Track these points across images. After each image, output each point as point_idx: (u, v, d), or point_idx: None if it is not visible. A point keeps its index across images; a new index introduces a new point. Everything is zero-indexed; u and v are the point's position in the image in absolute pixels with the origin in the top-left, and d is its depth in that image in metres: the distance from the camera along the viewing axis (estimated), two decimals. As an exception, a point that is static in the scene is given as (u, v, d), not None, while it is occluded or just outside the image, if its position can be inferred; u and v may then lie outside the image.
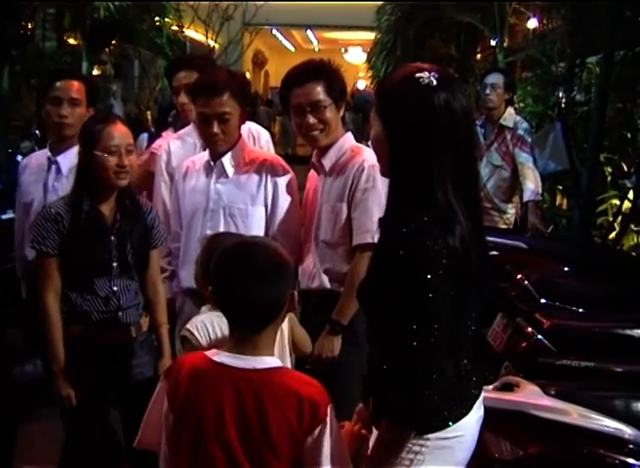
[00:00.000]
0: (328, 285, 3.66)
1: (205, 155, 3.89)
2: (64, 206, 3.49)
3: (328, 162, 3.68)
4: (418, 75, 2.33)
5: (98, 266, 3.48)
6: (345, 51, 22.42)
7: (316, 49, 23.12)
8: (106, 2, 9.13)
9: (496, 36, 9.93)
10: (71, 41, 10.60)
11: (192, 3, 11.74)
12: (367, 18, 12.28)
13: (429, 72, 2.33)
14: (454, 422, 2.43)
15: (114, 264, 3.49)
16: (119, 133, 3.46)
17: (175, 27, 11.39)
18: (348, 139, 3.74)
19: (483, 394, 2.61)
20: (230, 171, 3.78)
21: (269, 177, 3.78)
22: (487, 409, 2.67)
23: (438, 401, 2.30)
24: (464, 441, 2.48)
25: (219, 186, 3.79)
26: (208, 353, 2.43)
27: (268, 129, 4.06)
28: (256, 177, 3.79)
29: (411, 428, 2.35)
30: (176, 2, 11.20)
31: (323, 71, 3.65)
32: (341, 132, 3.73)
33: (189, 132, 4.39)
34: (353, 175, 3.58)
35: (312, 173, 3.87)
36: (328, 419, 2.35)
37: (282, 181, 3.80)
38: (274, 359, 2.42)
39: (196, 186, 3.86)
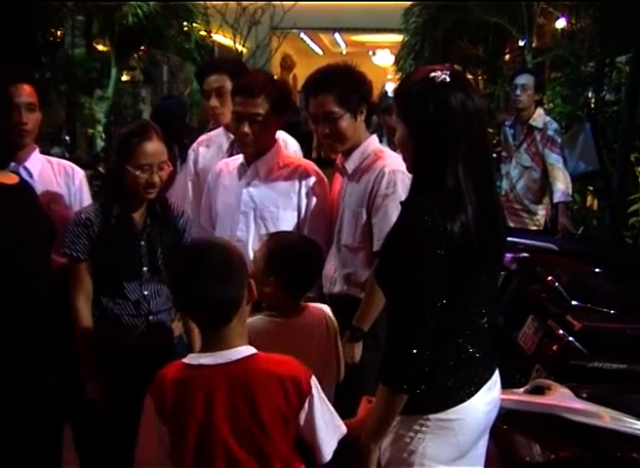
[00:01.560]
0: (349, 290, 3.66)
1: (239, 158, 3.92)
2: (95, 211, 3.50)
3: (351, 165, 3.68)
4: (432, 75, 2.52)
5: (127, 271, 3.49)
6: (373, 53, 22.36)
7: (344, 52, 23.04)
8: (135, 8, 9.15)
9: (524, 37, 9.87)
10: (100, 47, 10.66)
11: (220, 8, 11.76)
12: (394, 20, 12.24)
13: (442, 71, 2.52)
14: (452, 405, 2.55)
15: (144, 269, 3.49)
16: (153, 150, 3.44)
17: (203, 32, 11.42)
18: (372, 142, 3.73)
19: (514, 397, 2.65)
20: (264, 174, 3.80)
21: (302, 183, 3.81)
22: (518, 412, 2.69)
23: (423, 364, 2.44)
24: (467, 424, 2.59)
25: (251, 189, 3.82)
26: (183, 360, 2.48)
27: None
28: (289, 182, 3.81)
29: (395, 387, 2.47)
30: (203, 6, 11.22)
31: (337, 80, 3.63)
32: (365, 135, 3.73)
33: (219, 133, 4.44)
34: (374, 181, 3.57)
35: (337, 175, 3.87)
36: (314, 391, 2.45)
37: (315, 187, 3.82)
38: (247, 347, 2.48)
39: (229, 188, 3.90)
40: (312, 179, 3.83)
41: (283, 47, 14.31)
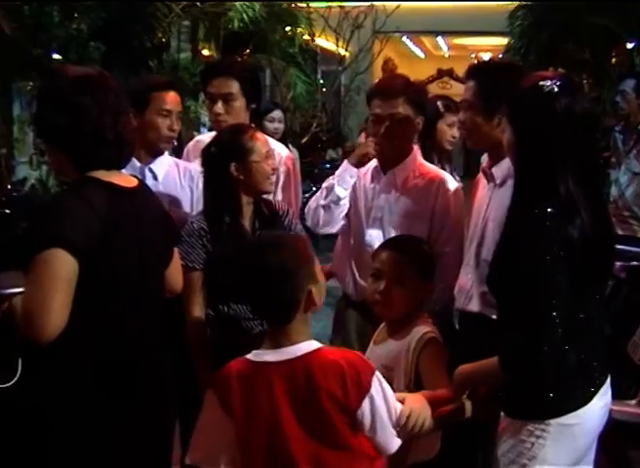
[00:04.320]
0: (484, 309, 3.41)
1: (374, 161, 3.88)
2: (206, 220, 3.54)
3: (499, 172, 3.48)
4: (541, 83, 2.58)
5: None
6: (476, 57, 22.18)
7: (446, 55, 22.93)
8: (241, 13, 9.26)
9: (633, 39, 9.65)
10: (205, 52, 10.80)
11: (323, 12, 11.83)
12: (498, 23, 12.11)
13: (551, 80, 2.57)
14: (573, 409, 2.58)
15: None
16: (263, 139, 3.56)
17: (306, 36, 11.49)
18: None
19: (626, 408, 2.65)
20: (400, 183, 3.76)
21: (437, 194, 3.74)
22: (630, 424, 2.65)
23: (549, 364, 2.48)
24: (585, 428, 2.63)
25: (386, 196, 3.77)
26: (247, 356, 2.55)
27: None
28: (424, 193, 3.75)
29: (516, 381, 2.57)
30: (307, 11, 11.30)
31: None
32: None
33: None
34: None
35: (480, 176, 3.69)
36: (373, 390, 2.42)
37: (450, 200, 3.74)
38: (310, 342, 2.50)
39: (360, 189, 3.88)
40: (448, 191, 3.76)
41: (385, 50, 14.30)
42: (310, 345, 2.49)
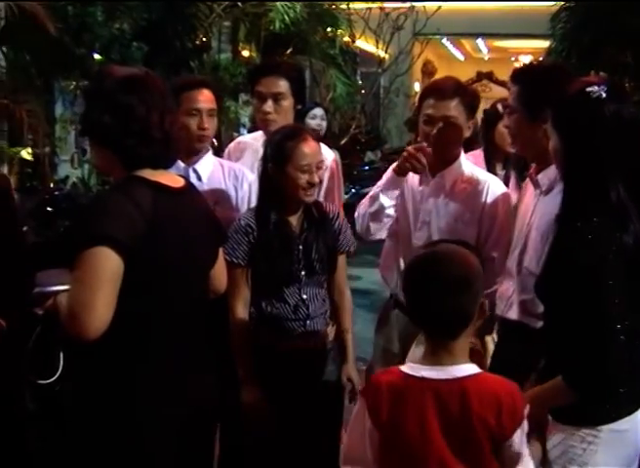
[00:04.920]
0: (523, 318, 3.36)
1: None
2: (254, 217, 3.56)
3: (545, 180, 3.37)
4: (588, 89, 2.57)
5: (287, 276, 3.54)
6: (516, 59, 22.06)
7: (486, 58, 22.84)
8: (282, 14, 9.27)
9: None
10: (245, 53, 10.83)
11: (363, 14, 11.84)
12: (539, 25, 12.02)
13: (598, 85, 2.56)
14: (625, 415, 2.59)
15: (302, 273, 3.54)
16: (310, 150, 3.49)
17: (346, 38, 11.49)
18: None
19: None
20: (449, 186, 3.74)
21: (486, 199, 3.71)
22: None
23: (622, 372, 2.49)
24: (635, 435, 2.63)
25: (435, 199, 3.75)
26: (402, 368, 2.46)
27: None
28: (472, 197, 3.72)
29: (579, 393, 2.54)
30: (347, 12, 11.30)
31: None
32: None
33: (256, 137, 4.36)
34: None
35: (528, 182, 3.59)
36: (524, 423, 2.39)
37: (498, 205, 3.71)
38: (472, 365, 2.44)
39: (410, 193, 3.85)
40: (496, 195, 3.73)
41: (424, 52, 14.26)
42: (471, 368, 2.44)
